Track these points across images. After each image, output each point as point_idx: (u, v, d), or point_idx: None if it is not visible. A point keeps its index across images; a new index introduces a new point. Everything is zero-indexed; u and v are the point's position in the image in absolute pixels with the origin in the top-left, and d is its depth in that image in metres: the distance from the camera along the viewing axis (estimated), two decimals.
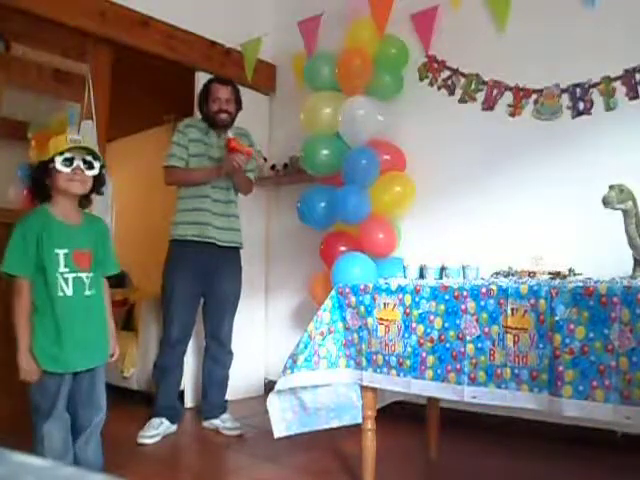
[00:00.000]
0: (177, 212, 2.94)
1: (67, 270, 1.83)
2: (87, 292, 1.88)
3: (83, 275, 1.87)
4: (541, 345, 1.58)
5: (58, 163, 1.81)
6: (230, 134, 2.80)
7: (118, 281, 3.89)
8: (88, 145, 1.88)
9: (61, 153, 1.82)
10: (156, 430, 2.74)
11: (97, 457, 1.95)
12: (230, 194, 3.00)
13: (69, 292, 1.83)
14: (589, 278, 1.86)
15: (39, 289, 1.81)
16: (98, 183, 1.96)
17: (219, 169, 2.85)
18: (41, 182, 1.87)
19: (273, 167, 3.88)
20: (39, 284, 1.81)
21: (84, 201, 1.98)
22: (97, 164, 1.89)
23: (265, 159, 3.28)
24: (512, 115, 2.98)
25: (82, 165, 1.85)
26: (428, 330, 1.81)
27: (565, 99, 2.81)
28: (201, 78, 3.56)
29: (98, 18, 3.06)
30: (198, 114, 3.14)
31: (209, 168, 2.90)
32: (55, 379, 1.82)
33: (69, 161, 1.83)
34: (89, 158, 1.87)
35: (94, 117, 3.08)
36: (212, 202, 2.90)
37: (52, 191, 1.87)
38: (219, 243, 2.89)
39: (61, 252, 1.83)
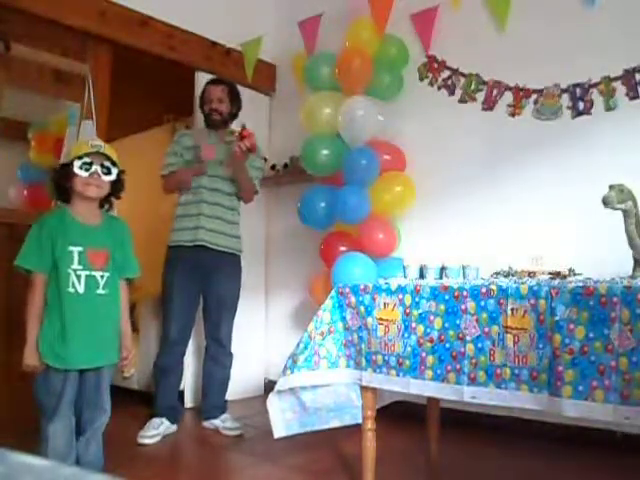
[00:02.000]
0: (175, 219, 2.98)
1: (80, 267, 1.87)
2: (100, 291, 1.91)
3: (97, 274, 1.90)
4: (541, 345, 1.57)
5: (76, 167, 1.86)
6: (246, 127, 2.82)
7: None
8: (108, 151, 1.92)
9: (80, 157, 1.87)
10: (156, 430, 2.74)
11: (98, 458, 1.95)
12: (233, 200, 3.00)
13: (81, 289, 1.86)
14: (589, 278, 1.86)
15: (52, 285, 1.85)
16: (116, 188, 2.00)
17: (201, 163, 2.85)
18: (62, 184, 1.91)
19: (273, 167, 3.88)
20: (52, 280, 1.85)
21: (105, 204, 2.02)
22: (115, 170, 1.93)
23: (265, 159, 3.29)
24: (512, 115, 2.98)
25: (100, 170, 1.89)
26: (428, 330, 1.81)
27: (565, 99, 2.81)
28: (201, 78, 3.56)
29: (98, 18, 3.06)
30: (198, 117, 3.17)
31: (195, 165, 2.91)
32: (59, 376, 1.83)
33: (88, 165, 1.87)
34: (107, 164, 1.91)
35: (94, 117, 3.08)
36: (208, 205, 2.90)
37: (71, 193, 1.92)
38: (213, 247, 2.90)
39: (75, 249, 1.86)
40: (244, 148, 2.77)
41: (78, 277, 1.86)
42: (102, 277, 1.91)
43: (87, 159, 1.87)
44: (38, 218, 1.92)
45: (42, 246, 1.84)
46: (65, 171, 1.89)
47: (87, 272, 1.87)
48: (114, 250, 1.97)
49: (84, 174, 1.87)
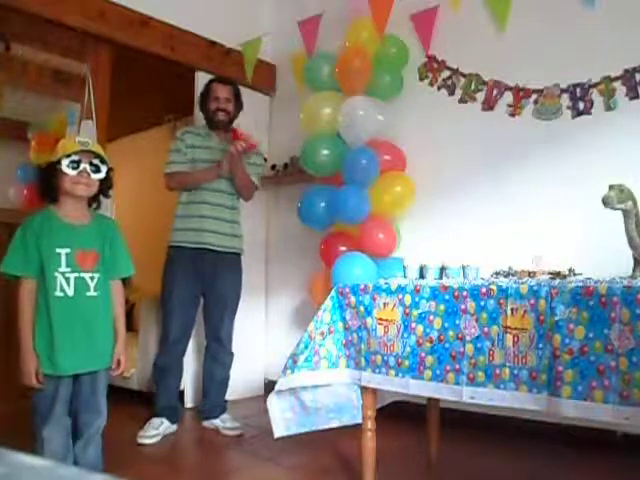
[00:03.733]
0: (175, 218, 2.97)
1: (69, 270, 1.82)
2: (90, 293, 1.86)
3: (86, 275, 1.85)
4: (541, 345, 1.57)
5: (64, 165, 1.80)
6: (236, 130, 2.84)
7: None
8: (97, 149, 1.87)
9: (68, 155, 1.81)
10: (156, 430, 2.74)
11: (96, 461, 1.93)
12: (233, 200, 3.01)
13: (70, 292, 1.81)
14: (589, 278, 1.86)
15: (40, 289, 1.80)
16: (105, 185, 1.95)
17: (218, 167, 2.88)
18: (48, 183, 1.86)
19: (273, 167, 3.88)
20: (40, 284, 1.80)
21: (93, 202, 1.97)
22: (104, 168, 1.89)
23: (265, 159, 3.29)
24: (512, 115, 2.98)
25: (89, 168, 1.84)
26: (427, 330, 1.81)
27: (565, 99, 2.81)
28: (201, 78, 3.56)
29: (98, 18, 3.06)
30: (198, 117, 3.16)
31: (208, 168, 2.91)
32: (51, 381, 1.80)
33: (76, 164, 1.82)
34: (96, 162, 1.86)
35: (94, 117, 3.08)
36: (210, 207, 2.90)
37: (59, 192, 1.87)
38: (216, 248, 2.90)
39: (62, 251, 1.81)
40: (240, 148, 2.78)
41: (67, 280, 1.81)
42: (92, 279, 1.86)
43: (75, 157, 1.81)
44: (25, 220, 1.86)
45: (27, 250, 1.78)
46: (52, 169, 1.83)
47: (76, 274, 1.82)
48: (104, 250, 1.92)
49: (72, 172, 1.81)
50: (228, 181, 2.95)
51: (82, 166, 1.83)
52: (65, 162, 1.80)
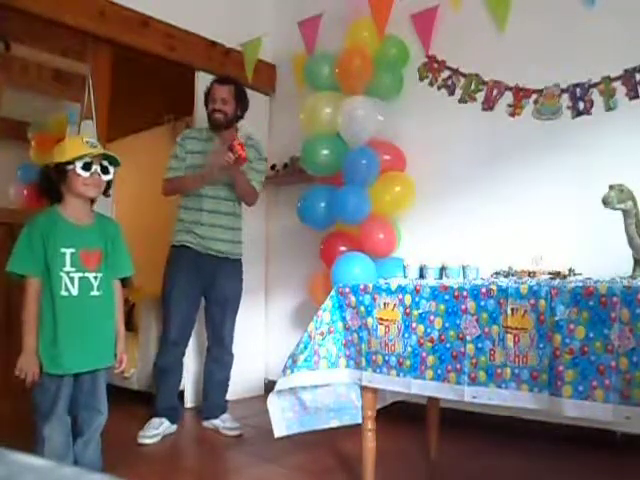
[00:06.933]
0: (177, 221, 2.96)
1: (73, 270, 1.84)
2: (94, 292, 1.88)
3: (90, 275, 1.87)
4: (541, 345, 1.58)
5: (78, 167, 1.83)
6: (240, 138, 2.82)
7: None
8: (108, 152, 1.90)
9: (81, 157, 1.83)
10: (156, 430, 2.74)
11: (96, 459, 1.94)
12: (233, 207, 2.99)
13: (75, 292, 1.83)
14: (589, 278, 1.86)
15: (45, 288, 1.82)
16: (107, 185, 1.97)
17: (209, 172, 2.80)
18: (54, 183, 1.87)
19: (273, 167, 3.88)
20: (45, 283, 1.82)
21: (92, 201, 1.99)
22: (112, 169, 1.91)
23: (265, 159, 3.29)
24: (512, 115, 2.98)
25: (99, 170, 1.87)
26: (428, 330, 1.81)
27: (565, 99, 2.81)
28: (201, 78, 3.56)
29: (98, 18, 3.06)
30: (198, 117, 3.16)
31: (196, 174, 2.88)
32: (54, 380, 1.81)
33: (89, 165, 1.84)
34: (105, 163, 1.89)
35: (94, 117, 3.08)
36: (207, 214, 2.89)
37: (64, 192, 1.88)
38: (216, 254, 2.91)
39: (67, 251, 1.83)
40: (230, 161, 2.70)
41: (71, 279, 1.83)
42: (96, 278, 1.88)
43: (88, 159, 1.83)
44: (29, 220, 1.87)
45: (34, 249, 1.80)
46: (62, 171, 1.84)
47: (80, 274, 1.84)
48: (107, 250, 1.94)
49: (86, 174, 1.84)
50: (227, 187, 2.93)
51: (94, 168, 1.86)
52: (79, 164, 1.83)
